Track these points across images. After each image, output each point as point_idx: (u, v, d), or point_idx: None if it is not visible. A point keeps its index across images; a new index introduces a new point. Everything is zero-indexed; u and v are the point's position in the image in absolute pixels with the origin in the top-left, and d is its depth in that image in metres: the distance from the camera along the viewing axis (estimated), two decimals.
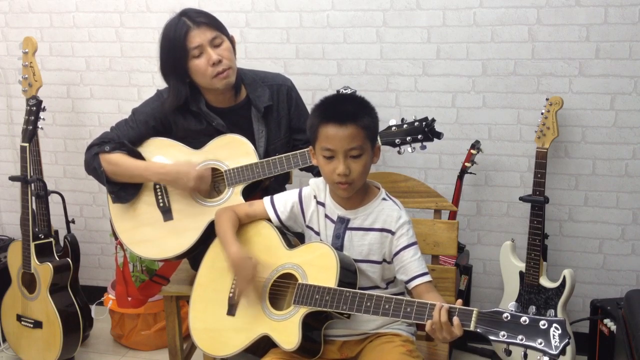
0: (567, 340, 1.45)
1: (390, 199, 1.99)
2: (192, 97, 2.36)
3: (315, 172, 2.39)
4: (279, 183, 2.52)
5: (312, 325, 1.85)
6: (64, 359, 2.91)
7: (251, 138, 2.36)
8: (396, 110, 2.94)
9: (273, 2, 2.98)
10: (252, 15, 3.02)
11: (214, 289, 2.05)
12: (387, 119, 2.25)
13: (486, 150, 2.88)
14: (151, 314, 3.12)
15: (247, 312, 1.95)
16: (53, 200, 3.14)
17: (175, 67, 2.30)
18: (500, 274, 2.84)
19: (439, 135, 2.19)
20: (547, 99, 2.68)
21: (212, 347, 2.01)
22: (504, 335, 1.51)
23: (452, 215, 2.74)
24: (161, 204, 2.37)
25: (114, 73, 3.26)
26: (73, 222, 3.19)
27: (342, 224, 1.95)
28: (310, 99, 2.88)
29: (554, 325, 1.47)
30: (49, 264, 2.83)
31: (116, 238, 2.46)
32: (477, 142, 2.82)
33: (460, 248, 2.92)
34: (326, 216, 1.99)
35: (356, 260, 1.92)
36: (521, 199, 2.69)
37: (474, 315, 1.57)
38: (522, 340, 1.49)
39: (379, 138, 2.09)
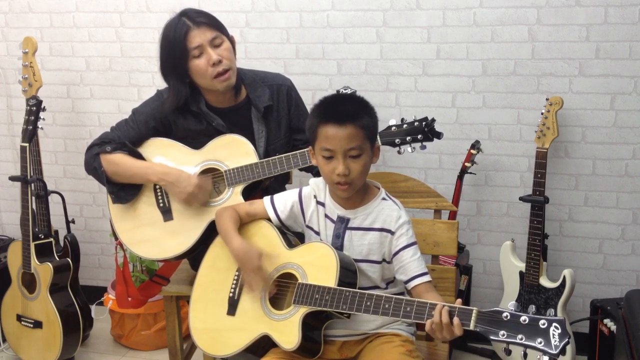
0: (567, 339, 1.45)
1: (390, 198, 1.99)
2: (192, 97, 2.36)
3: (314, 172, 2.39)
4: (279, 183, 2.52)
5: (312, 325, 1.85)
6: (64, 359, 2.91)
7: (251, 138, 2.36)
8: (396, 110, 2.94)
9: (273, 2, 2.99)
10: (252, 15, 3.02)
11: (214, 289, 2.05)
12: (387, 119, 2.25)
13: (486, 150, 2.88)
14: (151, 314, 3.12)
15: (247, 312, 1.95)
16: (53, 200, 3.14)
17: (175, 67, 2.30)
18: (500, 274, 2.83)
19: (438, 135, 2.19)
20: (547, 99, 2.68)
21: (212, 347, 2.01)
22: (503, 335, 1.51)
23: (452, 215, 2.74)
24: (161, 204, 2.37)
25: (114, 73, 3.26)
26: (73, 222, 3.19)
27: (342, 224, 1.95)
28: (310, 99, 2.88)
29: (554, 324, 1.47)
30: (49, 264, 2.83)
31: (116, 238, 2.46)
32: (477, 142, 2.82)
33: (460, 248, 2.91)
34: (326, 216, 1.99)
35: (356, 260, 1.92)
36: (521, 199, 2.69)
37: (473, 315, 1.57)
38: (521, 339, 1.49)
39: (378, 138, 2.09)
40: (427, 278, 1.87)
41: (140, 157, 2.38)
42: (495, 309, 1.55)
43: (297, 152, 2.26)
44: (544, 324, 1.48)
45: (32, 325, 2.91)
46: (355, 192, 1.90)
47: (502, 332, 1.51)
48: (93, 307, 3.17)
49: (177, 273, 2.57)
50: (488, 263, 3.05)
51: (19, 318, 2.95)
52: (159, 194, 2.37)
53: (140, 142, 2.41)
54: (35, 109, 2.83)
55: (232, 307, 1.99)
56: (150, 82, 3.19)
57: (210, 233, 2.21)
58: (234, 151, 2.33)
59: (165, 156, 2.38)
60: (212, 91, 2.35)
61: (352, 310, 1.77)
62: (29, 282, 2.89)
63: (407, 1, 2.84)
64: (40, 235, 2.91)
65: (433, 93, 2.91)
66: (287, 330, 1.84)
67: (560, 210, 2.91)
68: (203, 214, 2.30)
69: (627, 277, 2.91)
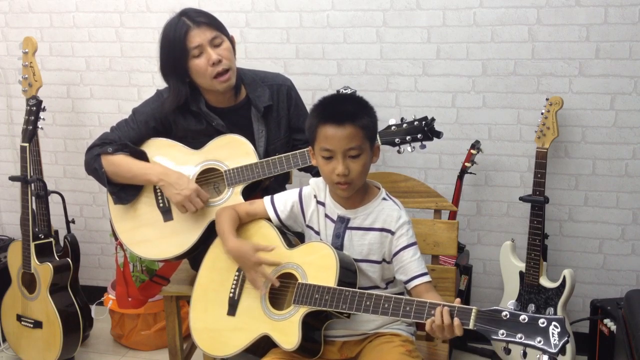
0: (566, 338, 1.45)
1: (391, 198, 1.99)
2: (192, 97, 2.36)
3: (314, 172, 2.39)
4: (279, 183, 2.52)
5: (312, 325, 1.85)
6: (64, 359, 2.91)
7: (251, 138, 2.36)
8: (396, 110, 2.94)
9: (273, 2, 2.99)
10: (252, 15, 3.03)
11: (214, 289, 2.05)
12: (387, 119, 2.25)
13: (486, 150, 2.88)
14: (151, 314, 3.12)
15: (247, 312, 1.95)
16: (53, 200, 3.14)
17: (175, 67, 2.30)
18: (500, 274, 2.83)
19: (438, 135, 2.20)
20: (547, 99, 2.68)
21: (213, 347, 2.01)
22: (503, 334, 1.51)
23: (452, 215, 2.74)
24: (161, 205, 2.36)
25: (114, 73, 3.26)
26: (73, 222, 3.19)
27: (342, 224, 1.95)
28: (310, 99, 2.87)
29: (553, 323, 1.47)
30: (49, 264, 2.83)
31: (116, 238, 2.46)
32: (477, 142, 2.82)
33: (460, 248, 2.91)
34: (326, 216, 1.99)
35: (356, 260, 1.92)
36: (521, 199, 2.69)
37: (473, 314, 1.57)
38: (521, 338, 1.49)
39: (378, 138, 2.09)
40: (427, 278, 1.87)
41: (143, 157, 2.38)
42: (494, 308, 1.55)
43: (297, 152, 2.26)
44: (543, 323, 1.48)
45: (32, 325, 2.91)
46: (355, 191, 1.90)
47: (501, 331, 1.52)
48: (93, 307, 3.17)
49: (177, 273, 2.57)
50: (488, 263, 3.05)
51: (19, 318, 2.95)
52: (159, 194, 2.37)
53: (141, 142, 2.41)
54: (35, 109, 2.83)
55: (232, 307, 1.99)
56: (150, 82, 3.19)
57: (210, 233, 2.21)
58: (233, 151, 2.33)
59: (165, 156, 2.38)
60: (212, 91, 2.35)
61: (351, 310, 1.77)
62: (29, 282, 2.89)
63: (407, 1, 2.84)
64: (40, 235, 2.91)
65: (433, 93, 2.91)
66: (287, 330, 1.84)
67: (560, 210, 2.91)
68: (203, 214, 2.30)
69: (627, 277, 2.91)
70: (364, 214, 1.94)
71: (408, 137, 2.21)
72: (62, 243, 3.09)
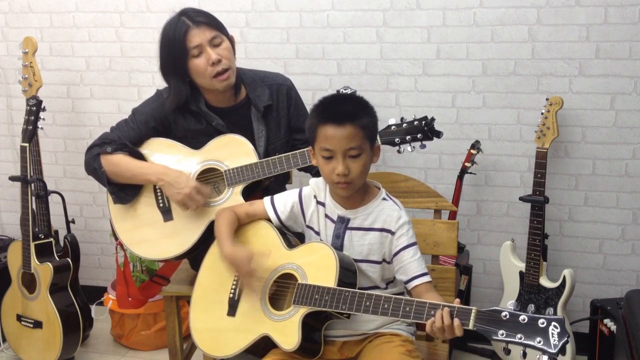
0: (566, 338, 1.45)
1: (391, 199, 1.99)
2: (192, 96, 2.36)
3: (313, 172, 2.39)
4: (279, 183, 2.52)
5: (312, 326, 1.85)
6: (64, 359, 2.91)
7: (251, 138, 2.36)
8: (396, 110, 2.94)
9: (273, 2, 2.99)
10: (252, 15, 3.02)
11: (215, 290, 2.05)
12: (387, 119, 2.25)
13: (486, 150, 2.88)
14: (151, 314, 3.12)
15: (247, 313, 1.95)
16: (53, 200, 3.14)
17: (175, 67, 2.30)
18: (500, 274, 2.83)
19: (438, 134, 2.19)
20: (547, 99, 2.68)
21: (213, 348, 2.01)
22: (502, 334, 1.51)
23: (452, 215, 2.74)
24: (161, 205, 2.36)
25: (114, 73, 3.26)
26: (73, 222, 3.19)
27: (342, 224, 1.95)
28: (310, 99, 2.88)
29: (553, 323, 1.47)
30: (49, 264, 2.83)
31: (116, 238, 2.46)
32: (477, 142, 2.82)
33: (460, 248, 2.91)
34: (326, 216, 1.99)
35: (356, 260, 1.92)
36: (521, 199, 2.69)
37: (472, 314, 1.57)
38: (521, 339, 1.49)
39: (378, 138, 2.09)
40: (427, 278, 1.87)
41: (141, 157, 2.38)
42: (494, 308, 1.55)
43: (297, 151, 2.26)
44: (543, 323, 1.48)
45: (32, 325, 2.91)
46: (355, 191, 1.90)
47: (501, 331, 1.51)
48: (93, 307, 3.17)
49: (177, 273, 2.57)
50: (488, 263, 3.05)
51: (19, 318, 2.95)
52: (159, 194, 2.37)
53: (140, 142, 2.41)
54: (35, 109, 2.83)
55: (233, 307, 1.99)
56: (150, 82, 3.19)
57: (210, 233, 2.21)
58: (233, 151, 2.33)
59: (165, 156, 2.38)
60: (212, 91, 2.35)
61: (351, 311, 1.77)
62: (29, 282, 2.89)
63: (407, 1, 2.84)
64: (40, 235, 2.91)
65: (433, 93, 2.91)
66: (287, 330, 1.84)
67: (560, 210, 2.91)
68: (203, 214, 2.30)
69: (627, 277, 2.91)
70: (364, 214, 1.94)
71: (408, 137, 2.21)
72: (62, 243, 3.09)
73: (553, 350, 1.44)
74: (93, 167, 2.38)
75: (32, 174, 2.88)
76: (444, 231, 2.26)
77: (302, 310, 1.83)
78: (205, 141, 2.36)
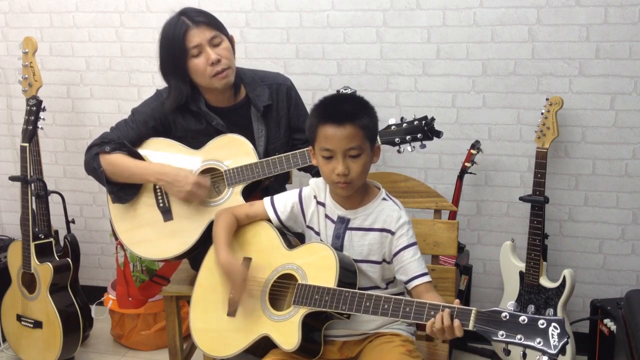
0: (566, 339, 1.45)
1: (391, 199, 1.99)
2: (192, 96, 2.36)
3: (313, 172, 2.39)
4: (279, 183, 2.52)
5: (312, 326, 1.85)
6: (64, 359, 2.91)
7: (251, 138, 2.36)
8: (396, 110, 2.94)
9: (273, 2, 2.98)
10: (252, 15, 3.02)
11: (215, 290, 2.05)
12: (387, 119, 2.25)
13: (486, 150, 2.88)
14: (151, 314, 3.12)
15: (247, 313, 1.95)
16: (53, 200, 3.14)
17: (174, 67, 2.30)
18: (500, 274, 2.83)
19: (438, 134, 2.19)
20: (547, 99, 2.68)
21: (213, 348, 2.01)
22: (502, 335, 1.51)
23: (452, 215, 2.74)
24: (161, 204, 2.36)
25: (114, 73, 3.26)
26: (73, 222, 3.20)
27: (342, 224, 1.95)
28: (310, 99, 2.88)
29: (553, 324, 1.47)
30: (49, 264, 2.83)
31: (116, 238, 2.46)
32: (477, 142, 2.82)
33: (460, 248, 2.91)
34: (326, 216, 1.99)
35: (356, 261, 1.92)
36: (521, 199, 2.69)
37: (472, 315, 1.57)
38: (520, 339, 1.49)
39: (378, 138, 2.09)
40: (427, 278, 1.87)
41: (139, 157, 2.38)
42: (494, 309, 1.55)
43: (297, 151, 2.26)
44: (542, 324, 1.48)
45: (32, 325, 2.91)
46: (354, 191, 1.90)
47: (501, 332, 1.51)
48: (93, 307, 3.17)
49: (177, 273, 2.57)
50: (488, 263, 3.05)
51: (19, 318, 2.95)
52: (159, 194, 2.37)
53: (140, 142, 2.41)
54: (35, 109, 2.83)
55: (232, 307, 1.99)
56: (150, 82, 3.19)
57: (210, 233, 2.20)
58: (233, 151, 2.33)
59: (165, 156, 2.38)
60: (212, 90, 2.35)
61: (351, 311, 1.77)
62: (29, 282, 2.89)
63: (407, 1, 2.84)
64: (40, 235, 2.91)
65: (433, 93, 2.91)
66: (287, 331, 1.84)
67: (560, 210, 2.91)
68: (203, 214, 2.30)
69: (627, 277, 2.91)
70: (364, 215, 1.94)
71: (408, 137, 2.21)
72: (62, 243, 3.09)
73: (553, 351, 1.44)
74: (92, 166, 2.38)
75: (32, 174, 2.88)
76: (444, 231, 2.26)
77: (302, 311, 1.83)
78: (205, 141, 2.36)
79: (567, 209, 2.90)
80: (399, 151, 2.24)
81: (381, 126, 2.07)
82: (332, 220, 1.97)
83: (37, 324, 2.89)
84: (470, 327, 1.57)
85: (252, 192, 2.34)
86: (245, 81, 2.42)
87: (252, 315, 1.94)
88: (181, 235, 2.32)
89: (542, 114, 2.66)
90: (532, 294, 2.68)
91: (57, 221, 3.17)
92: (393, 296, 1.72)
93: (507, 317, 1.52)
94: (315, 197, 2.02)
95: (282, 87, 2.46)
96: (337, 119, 1.81)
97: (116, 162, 2.34)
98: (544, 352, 1.45)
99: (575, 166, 2.85)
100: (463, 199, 2.91)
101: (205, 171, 2.35)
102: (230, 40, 2.34)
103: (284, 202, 2.05)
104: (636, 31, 2.66)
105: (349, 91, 2.73)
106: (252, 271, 1.99)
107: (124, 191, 2.37)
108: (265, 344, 1.90)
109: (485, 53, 2.82)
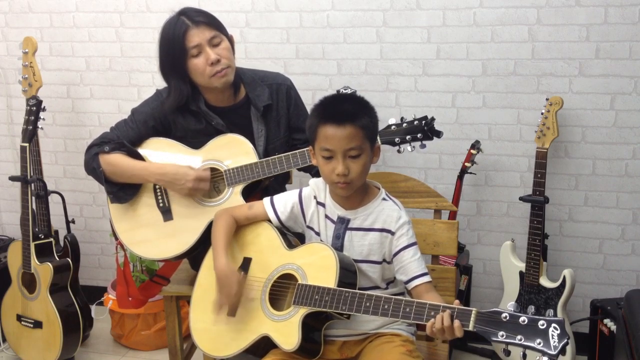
0: (566, 340, 1.45)
1: (390, 199, 1.99)
2: (192, 96, 2.36)
3: (313, 172, 2.39)
4: (278, 183, 2.52)
5: (312, 326, 1.85)
6: (64, 359, 2.91)
7: (250, 137, 2.35)
8: (396, 110, 2.94)
9: (273, 2, 2.98)
10: (252, 15, 3.02)
11: (215, 290, 2.04)
12: (387, 119, 2.24)
13: (486, 150, 2.88)
14: (151, 314, 3.12)
15: (247, 313, 1.95)
16: (53, 200, 3.14)
17: (174, 67, 2.30)
18: (500, 274, 2.83)
19: (438, 134, 2.19)
20: (547, 99, 2.68)
21: (213, 348, 2.01)
22: (502, 336, 1.51)
23: (452, 215, 2.74)
24: (161, 204, 2.36)
25: (114, 73, 3.26)
26: (73, 222, 3.19)
27: (342, 224, 1.95)
28: (310, 99, 2.88)
29: (553, 325, 1.47)
30: (49, 264, 2.83)
31: (116, 238, 2.46)
32: (477, 142, 2.82)
33: (460, 248, 2.91)
34: (326, 216, 1.99)
35: (356, 261, 1.92)
36: (521, 199, 2.69)
37: (472, 316, 1.57)
38: (521, 340, 1.49)
39: (378, 138, 2.09)
40: (427, 278, 1.87)
41: (139, 157, 2.38)
42: (494, 309, 1.55)
43: (297, 151, 2.25)
44: (543, 325, 1.48)
45: (32, 325, 2.91)
46: (354, 191, 1.90)
47: (501, 332, 1.51)
48: (93, 307, 3.17)
49: (177, 273, 2.57)
50: (488, 263, 3.05)
51: (19, 318, 2.95)
52: (159, 194, 2.37)
53: (140, 142, 2.41)
54: (35, 109, 2.83)
55: (232, 307, 1.99)
56: (150, 82, 3.19)
57: (210, 233, 2.20)
58: (233, 151, 2.33)
59: (165, 156, 2.38)
60: (211, 90, 2.35)
61: (351, 311, 1.77)
62: (29, 282, 2.89)
63: (407, 1, 2.84)
64: (40, 235, 2.91)
65: (433, 93, 2.91)
66: (287, 331, 1.84)
67: (560, 210, 2.90)
68: (203, 214, 2.30)
69: (627, 277, 2.91)
70: (364, 215, 1.94)
71: (408, 137, 2.21)
72: (62, 243, 3.09)
73: (553, 352, 1.44)
74: (92, 166, 2.38)
75: (32, 174, 2.88)
76: (444, 231, 2.26)
77: (302, 311, 1.83)
78: (205, 141, 2.36)
79: (567, 209, 2.90)
80: (399, 151, 2.24)
81: (381, 126, 2.07)
82: (332, 221, 1.97)
83: (37, 324, 2.89)
84: (471, 327, 1.57)
85: (252, 192, 2.34)
86: (245, 81, 2.42)
87: (252, 315, 1.94)
88: (181, 235, 2.32)
89: (542, 114, 2.66)
90: (532, 294, 2.68)
91: (57, 221, 3.17)
92: (393, 296, 1.72)
93: (507, 318, 1.52)
94: (315, 197, 2.02)
95: (282, 87, 2.46)
96: (337, 119, 1.81)
97: (116, 162, 2.34)
98: (544, 353, 1.45)
99: (575, 166, 2.85)
100: (463, 199, 2.91)
101: None
102: (230, 40, 2.34)
103: (284, 202, 2.05)
104: (636, 31, 2.66)
105: (349, 91, 2.73)
106: (252, 271, 2.00)
107: (124, 191, 2.37)
108: (265, 344, 1.90)
109: (485, 53, 2.82)
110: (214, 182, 2.35)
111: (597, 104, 2.76)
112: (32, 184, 2.86)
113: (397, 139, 2.21)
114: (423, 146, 2.20)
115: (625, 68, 2.70)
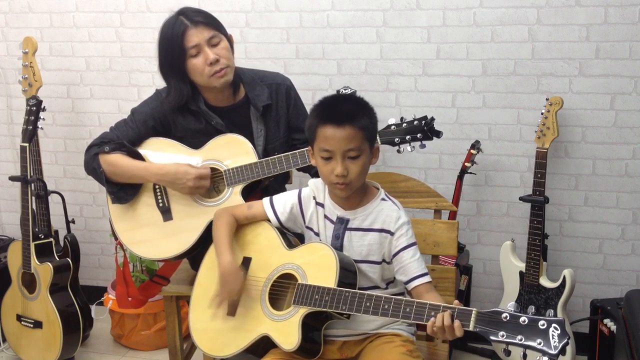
0: (566, 340, 1.45)
1: (390, 199, 1.99)
2: (191, 96, 2.36)
3: (312, 172, 2.39)
4: (278, 183, 2.52)
5: (312, 326, 1.85)
6: (64, 359, 2.91)
7: (250, 137, 2.35)
8: (396, 110, 2.94)
9: (273, 2, 2.98)
10: (252, 15, 3.02)
11: (214, 289, 2.05)
12: (387, 119, 2.24)
13: (486, 150, 2.88)
14: (151, 314, 3.12)
15: (247, 313, 1.95)
16: (53, 200, 3.14)
17: (173, 67, 2.30)
18: (500, 274, 2.83)
19: (438, 134, 2.19)
20: (547, 99, 2.67)
21: (213, 348, 2.01)
22: (503, 336, 1.51)
23: (452, 215, 2.74)
24: (161, 204, 2.36)
25: (114, 73, 3.26)
26: (73, 222, 3.19)
27: (342, 225, 1.95)
28: (310, 99, 2.88)
29: (553, 325, 1.47)
30: (49, 264, 2.83)
31: (116, 238, 2.46)
32: (477, 142, 2.82)
33: (460, 248, 2.91)
34: (325, 217, 1.99)
35: (356, 261, 1.92)
36: (521, 199, 2.69)
37: (473, 316, 1.57)
38: (521, 340, 1.49)
39: (378, 138, 2.09)
40: (427, 279, 1.87)
41: (139, 157, 2.38)
42: (494, 309, 1.55)
43: (297, 151, 2.25)
44: (543, 325, 1.48)
45: (32, 325, 2.91)
46: (353, 191, 1.89)
47: (501, 332, 1.51)
48: (93, 307, 3.17)
49: (177, 273, 2.57)
50: (488, 263, 3.05)
51: (19, 318, 2.95)
52: (159, 194, 2.37)
53: (140, 142, 2.41)
54: (35, 109, 2.83)
55: (232, 307, 1.99)
56: (150, 82, 3.19)
57: (210, 233, 2.20)
58: (233, 150, 2.33)
59: (165, 156, 2.38)
60: (211, 90, 2.34)
61: (351, 311, 1.77)
62: (29, 282, 2.89)
63: (407, 1, 2.84)
64: (40, 235, 2.91)
65: (433, 93, 2.91)
66: (287, 330, 1.84)
67: (560, 210, 2.90)
68: (203, 214, 2.30)
69: (627, 277, 2.91)
70: (363, 215, 1.94)
71: (408, 137, 2.21)
72: (62, 243, 3.09)
73: (553, 352, 1.44)
74: (92, 167, 2.38)
75: (32, 174, 2.88)
76: (444, 231, 2.26)
77: (302, 311, 1.83)
78: (205, 141, 2.36)
79: (567, 209, 2.90)
80: (398, 151, 2.24)
81: (381, 126, 2.07)
82: (332, 221, 1.97)
83: (37, 324, 2.89)
84: (471, 327, 1.57)
85: (252, 192, 2.34)
86: (244, 81, 2.42)
87: (251, 315, 1.94)
88: (181, 235, 2.32)
89: (542, 114, 2.66)
90: (532, 294, 2.68)
91: (57, 221, 3.17)
92: (393, 296, 1.72)
93: (508, 318, 1.52)
94: (314, 197, 2.02)
95: (282, 87, 2.46)
96: (337, 119, 1.81)
97: (116, 162, 2.34)
98: (544, 353, 1.45)
99: (575, 166, 2.85)
100: (463, 199, 2.91)
101: None
102: (229, 39, 2.34)
103: (283, 202, 2.05)
104: (636, 31, 2.66)
105: (348, 91, 2.73)
106: (252, 271, 1.99)
107: (124, 191, 2.37)
108: (265, 344, 1.90)
109: (485, 53, 2.82)
110: (213, 182, 2.35)
111: (597, 104, 2.76)
112: (32, 184, 2.86)
113: (397, 139, 2.21)
114: (423, 146, 2.20)
115: (625, 68, 2.70)
